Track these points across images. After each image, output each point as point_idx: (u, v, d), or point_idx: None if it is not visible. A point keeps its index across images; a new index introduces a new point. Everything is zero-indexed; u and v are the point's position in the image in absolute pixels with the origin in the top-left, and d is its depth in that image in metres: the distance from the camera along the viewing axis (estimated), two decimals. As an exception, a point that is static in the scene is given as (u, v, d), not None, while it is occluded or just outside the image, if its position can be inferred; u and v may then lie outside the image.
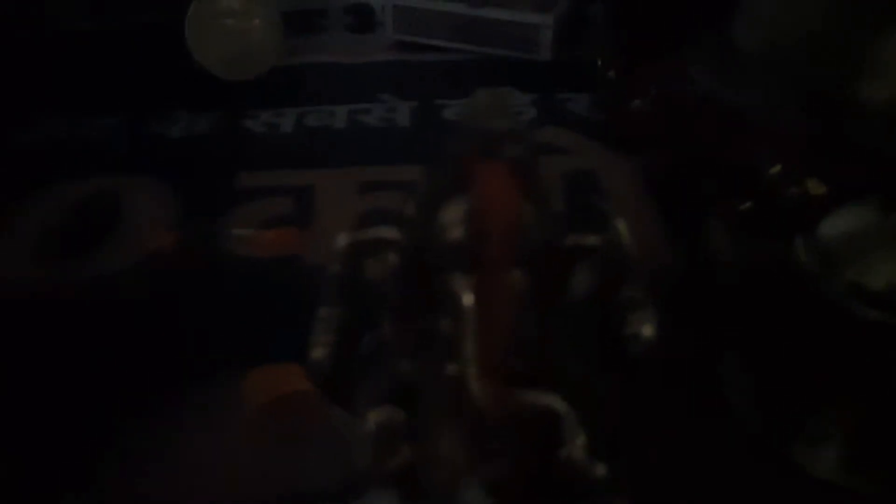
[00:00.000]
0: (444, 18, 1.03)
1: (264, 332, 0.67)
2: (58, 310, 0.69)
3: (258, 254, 0.75)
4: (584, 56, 0.96)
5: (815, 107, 0.67)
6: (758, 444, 0.56)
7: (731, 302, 0.64)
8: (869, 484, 0.53)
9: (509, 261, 0.46)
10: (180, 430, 0.58)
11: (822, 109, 0.67)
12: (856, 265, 0.53)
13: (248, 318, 0.69)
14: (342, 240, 0.49)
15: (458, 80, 0.99)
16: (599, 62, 0.87)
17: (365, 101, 0.96)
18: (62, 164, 0.88)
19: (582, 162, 0.82)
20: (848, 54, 0.55)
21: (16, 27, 0.97)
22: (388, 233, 0.49)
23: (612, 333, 0.49)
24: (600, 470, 0.46)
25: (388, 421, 0.47)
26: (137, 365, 0.65)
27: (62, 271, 0.74)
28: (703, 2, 0.67)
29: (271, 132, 0.91)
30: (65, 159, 0.89)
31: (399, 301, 0.49)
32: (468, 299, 0.46)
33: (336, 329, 0.49)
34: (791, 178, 0.65)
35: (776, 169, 0.67)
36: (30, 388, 0.63)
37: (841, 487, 0.53)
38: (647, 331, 0.48)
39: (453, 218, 0.46)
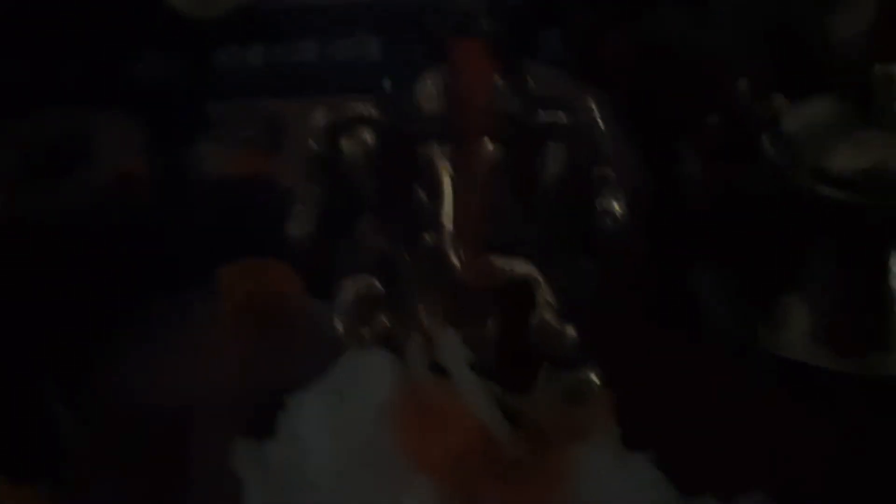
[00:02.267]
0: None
1: (237, 249, 0.67)
2: (33, 233, 0.70)
3: (228, 175, 0.75)
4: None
5: (784, 42, 0.70)
6: (724, 328, 0.57)
7: (702, 217, 0.65)
8: (835, 359, 0.55)
9: (484, 133, 0.48)
10: (160, 331, 0.58)
11: (791, 45, 0.69)
12: (817, 151, 0.55)
13: (221, 236, 0.69)
14: (320, 118, 0.50)
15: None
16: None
17: (336, 36, 0.96)
18: (29, 104, 0.87)
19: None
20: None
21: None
22: (366, 109, 0.50)
23: (584, 210, 0.51)
24: (570, 332, 0.47)
25: (366, 289, 0.48)
26: (116, 277, 0.65)
27: (34, 198, 0.74)
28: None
29: (239, 66, 0.92)
30: (32, 98, 0.89)
31: (377, 176, 0.50)
32: (445, 169, 0.47)
33: (315, 206, 0.50)
34: (757, 94, 0.66)
35: (743, 86, 0.68)
36: (15, 304, 0.63)
37: (807, 366, 0.55)
38: (618, 207, 0.50)
39: (429, 90, 0.48)
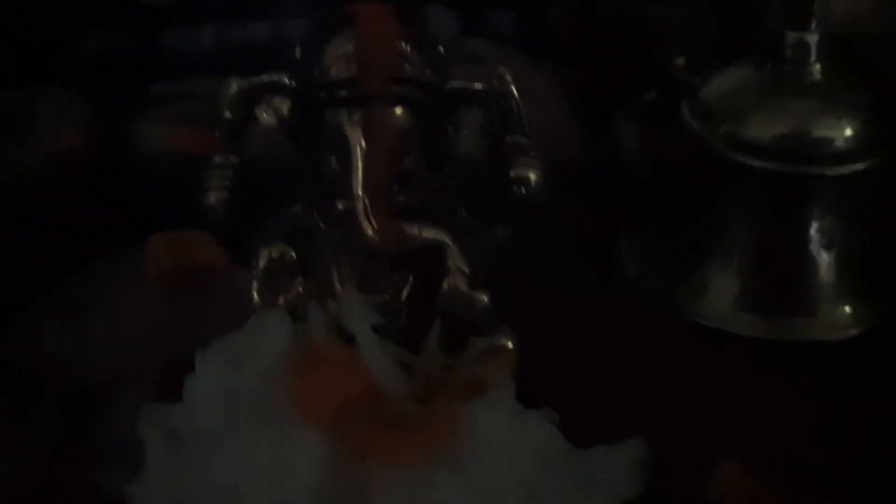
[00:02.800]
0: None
1: (170, 222, 0.67)
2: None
3: (170, 151, 0.76)
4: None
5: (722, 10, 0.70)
6: (645, 296, 0.58)
7: (628, 185, 0.66)
8: (757, 325, 0.55)
9: (392, 97, 0.48)
10: (79, 298, 0.58)
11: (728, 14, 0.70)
12: (733, 118, 0.55)
13: (153, 209, 0.69)
14: (231, 86, 0.50)
15: None
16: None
17: (287, 16, 0.97)
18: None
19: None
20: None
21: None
22: (277, 77, 0.50)
23: (497, 179, 0.51)
24: (482, 299, 0.48)
25: (280, 256, 0.49)
26: (49, 246, 0.65)
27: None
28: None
29: (188, 46, 0.92)
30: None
31: (290, 144, 0.51)
32: (354, 134, 0.47)
33: (229, 176, 0.51)
34: (694, 68, 0.67)
35: (680, 60, 0.69)
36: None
37: (729, 333, 0.55)
38: (532, 174, 0.50)
39: (337, 56, 0.48)
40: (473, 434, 0.39)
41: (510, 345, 0.47)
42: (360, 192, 0.47)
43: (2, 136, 0.78)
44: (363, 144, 0.47)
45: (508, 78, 0.51)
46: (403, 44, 0.48)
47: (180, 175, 0.72)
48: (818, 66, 0.55)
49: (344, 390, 0.39)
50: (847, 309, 0.56)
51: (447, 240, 0.48)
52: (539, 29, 0.88)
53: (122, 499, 0.41)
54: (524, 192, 0.50)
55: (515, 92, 0.51)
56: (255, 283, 0.48)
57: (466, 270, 0.48)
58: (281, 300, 0.48)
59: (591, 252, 0.60)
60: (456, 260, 0.48)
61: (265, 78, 0.50)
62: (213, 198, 0.50)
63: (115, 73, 0.88)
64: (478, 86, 0.51)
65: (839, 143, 0.54)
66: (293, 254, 0.49)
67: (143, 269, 0.59)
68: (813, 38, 0.54)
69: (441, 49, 0.50)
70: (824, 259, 0.56)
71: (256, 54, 0.91)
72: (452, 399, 0.40)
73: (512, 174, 0.50)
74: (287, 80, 0.50)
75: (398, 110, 0.48)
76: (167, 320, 0.54)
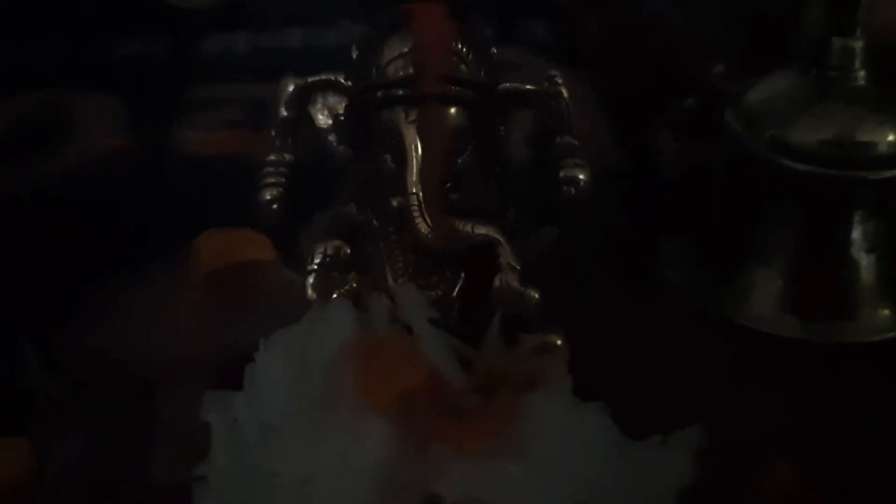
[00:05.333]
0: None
1: (214, 222, 0.68)
2: (14, 203, 0.70)
3: (208, 154, 0.76)
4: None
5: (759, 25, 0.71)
6: (688, 301, 0.58)
7: (670, 190, 0.67)
8: (799, 328, 0.56)
9: (447, 97, 0.49)
10: (133, 295, 0.59)
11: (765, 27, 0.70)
12: (778, 123, 0.56)
13: (197, 209, 0.70)
14: (288, 85, 0.51)
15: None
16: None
17: (320, 24, 0.98)
18: (13, 83, 0.88)
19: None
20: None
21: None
22: (333, 77, 0.51)
23: (547, 179, 0.52)
24: (533, 296, 0.48)
25: (335, 252, 0.49)
26: (93, 248, 0.66)
27: (13, 172, 0.75)
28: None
29: (224, 52, 0.93)
30: (16, 79, 0.89)
31: (345, 143, 0.52)
32: (410, 133, 0.48)
33: (284, 174, 0.51)
34: (733, 77, 0.67)
35: (720, 68, 0.70)
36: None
37: (772, 336, 0.56)
38: (581, 175, 0.51)
39: (393, 56, 0.49)
40: (533, 425, 0.40)
41: (560, 342, 0.48)
42: (415, 190, 0.48)
43: (44, 140, 0.79)
44: (419, 143, 0.48)
45: (559, 80, 0.52)
46: (459, 44, 0.49)
47: (219, 176, 0.73)
48: (862, 73, 0.56)
49: (407, 380, 0.40)
50: (887, 312, 0.57)
51: (499, 237, 0.49)
52: (572, 38, 0.89)
53: (185, 485, 0.42)
54: (573, 192, 0.51)
55: (566, 93, 0.51)
56: (310, 279, 0.49)
57: (518, 267, 0.49)
58: (335, 295, 0.49)
59: (632, 256, 0.61)
60: (508, 257, 0.48)
61: (321, 77, 0.51)
62: (268, 194, 0.51)
63: (154, 78, 0.89)
64: (529, 87, 0.52)
65: (882, 148, 0.55)
66: (347, 250, 0.50)
67: (191, 267, 0.60)
68: (857, 45, 0.55)
69: (494, 50, 0.51)
70: (866, 262, 0.56)
71: (292, 60, 0.93)
72: (512, 391, 0.41)
73: (561, 175, 0.51)
74: (343, 80, 0.51)
75: (453, 110, 0.49)
76: (217, 317, 0.55)
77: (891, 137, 0.55)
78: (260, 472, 0.39)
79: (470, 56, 0.49)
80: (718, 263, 0.60)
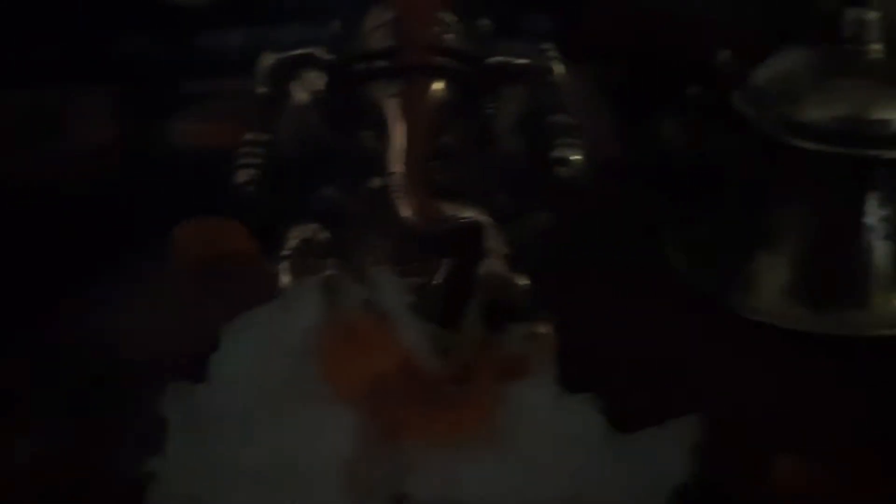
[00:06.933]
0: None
1: (205, 212, 0.66)
2: (5, 193, 0.69)
3: (200, 146, 0.75)
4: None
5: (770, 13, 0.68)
6: (692, 290, 0.55)
7: (676, 175, 0.64)
8: (808, 318, 0.53)
9: (432, 69, 0.46)
10: (112, 285, 0.57)
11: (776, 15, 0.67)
12: (789, 102, 0.53)
13: (184, 200, 0.68)
14: (266, 59, 0.49)
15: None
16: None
17: (316, 21, 0.96)
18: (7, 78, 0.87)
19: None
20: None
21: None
22: (313, 50, 0.48)
23: (539, 159, 0.49)
24: (522, 282, 0.45)
25: (312, 236, 0.47)
26: (84, 238, 0.64)
27: (7, 162, 0.74)
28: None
29: (218, 48, 0.91)
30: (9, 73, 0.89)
31: (326, 121, 0.49)
32: (392, 108, 0.45)
33: (261, 154, 0.49)
34: (739, 64, 0.65)
35: (725, 54, 0.67)
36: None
37: (777, 328, 0.53)
38: (575, 156, 0.48)
39: (375, 26, 0.46)
40: (513, 415, 0.37)
41: (547, 330, 0.45)
42: (397, 169, 0.45)
43: (39, 133, 0.78)
44: (401, 118, 0.45)
45: (553, 53, 0.49)
46: (444, 13, 0.46)
47: (211, 169, 0.71)
48: (877, 46, 0.53)
49: (378, 366, 0.37)
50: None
51: (486, 220, 0.46)
52: (576, 28, 0.86)
53: (139, 477, 0.39)
54: (566, 173, 0.48)
55: (560, 68, 0.48)
56: (283, 264, 0.46)
57: (506, 252, 0.46)
58: (311, 281, 0.46)
59: (635, 242, 0.58)
60: (495, 241, 0.46)
61: (301, 52, 0.48)
62: (243, 175, 0.48)
63: (148, 73, 0.88)
64: (521, 61, 0.48)
65: (900, 125, 0.52)
66: (325, 234, 0.47)
67: (173, 256, 0.58)
68: (873, 16, 0.52)
69: (486, 21, 0.48)
70: (881, 248, 0.53)
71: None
72: (491, 379, 0.38)
73: (554, 155, 0.48)
74: (323, 54, 0.48)
75: (438, 83, 0.46)
76: (196, 306, 0.53)
77: (908, 114, 0.51)
78: (218, 463, 0.37)
79: (457, 25, 0.46)
80: (726, 251, 0.57)
